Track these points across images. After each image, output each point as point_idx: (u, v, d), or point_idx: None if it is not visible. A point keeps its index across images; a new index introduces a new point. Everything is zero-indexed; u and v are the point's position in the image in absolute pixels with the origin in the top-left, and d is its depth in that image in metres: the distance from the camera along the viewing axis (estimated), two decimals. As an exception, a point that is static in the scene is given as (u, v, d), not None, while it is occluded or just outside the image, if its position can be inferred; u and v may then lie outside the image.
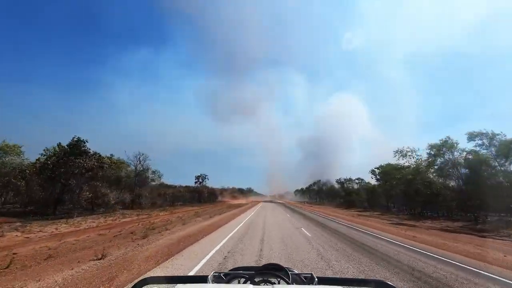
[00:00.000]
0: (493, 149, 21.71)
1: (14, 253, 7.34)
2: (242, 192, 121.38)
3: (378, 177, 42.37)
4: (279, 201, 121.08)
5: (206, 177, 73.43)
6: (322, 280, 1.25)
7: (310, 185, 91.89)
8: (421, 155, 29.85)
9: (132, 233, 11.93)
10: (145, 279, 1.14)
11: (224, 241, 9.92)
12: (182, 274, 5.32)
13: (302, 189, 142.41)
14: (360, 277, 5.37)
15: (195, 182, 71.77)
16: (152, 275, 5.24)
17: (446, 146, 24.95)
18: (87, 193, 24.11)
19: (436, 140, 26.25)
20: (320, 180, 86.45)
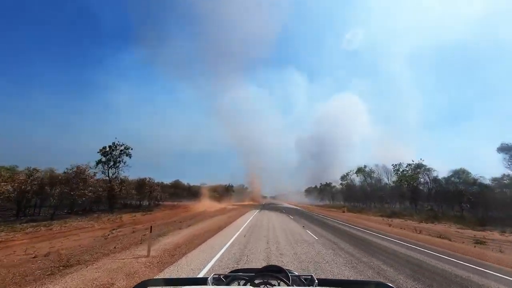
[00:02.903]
0: None
1: None
2: (228, 190, 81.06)
3: None
4: (286, 204, 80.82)
5: (128, 150, 34.34)
6: (322, 282, 1.18)
7: (344, 176, 53.46)
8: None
9: None
10: (144, 281, 1.08)
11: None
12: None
13: (316, 187, 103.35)
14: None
15: (97, 162, 32.46)
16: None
17: None
18: None
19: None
20: (365, 166, 48.03)
